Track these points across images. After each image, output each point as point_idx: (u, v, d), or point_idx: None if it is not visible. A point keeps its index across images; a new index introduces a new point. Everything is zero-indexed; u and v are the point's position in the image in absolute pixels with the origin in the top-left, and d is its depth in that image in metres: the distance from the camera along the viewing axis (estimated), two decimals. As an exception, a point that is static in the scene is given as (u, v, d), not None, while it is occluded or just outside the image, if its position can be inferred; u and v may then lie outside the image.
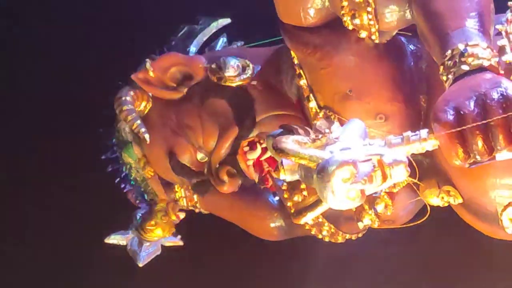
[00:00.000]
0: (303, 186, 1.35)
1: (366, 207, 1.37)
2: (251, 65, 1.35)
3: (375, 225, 1.40)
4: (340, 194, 0.79)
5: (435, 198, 1.30)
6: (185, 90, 1.37)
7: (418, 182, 1.27)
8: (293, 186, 1.39)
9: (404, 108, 1.24)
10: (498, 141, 0.84)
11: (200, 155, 1.35)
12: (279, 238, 1.55)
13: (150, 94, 1.38)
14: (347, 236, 1.50)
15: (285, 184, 1.36)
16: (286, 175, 0.89)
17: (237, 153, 1.32)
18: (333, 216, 1.46)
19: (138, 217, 1.53)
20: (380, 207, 1.35)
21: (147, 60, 1.36)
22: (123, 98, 1.35)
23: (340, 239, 1.51)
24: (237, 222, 1.57)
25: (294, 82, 1.34)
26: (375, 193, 0.99)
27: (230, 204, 1.53)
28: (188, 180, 1.40)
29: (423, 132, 0.86)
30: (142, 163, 1.43)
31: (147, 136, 1.34)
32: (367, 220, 1.38)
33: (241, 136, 1.32)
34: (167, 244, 1.58)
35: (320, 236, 1.49)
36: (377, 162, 0.82)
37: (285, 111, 1.33)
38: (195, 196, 1.53)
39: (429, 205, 1.31)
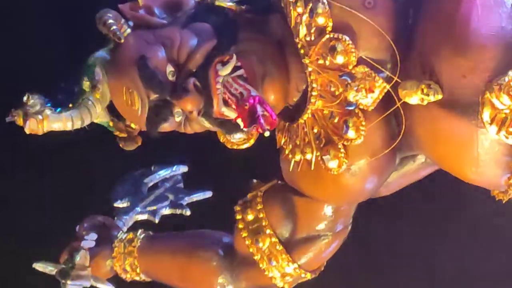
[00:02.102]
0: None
1: (335, 138, 1.35)
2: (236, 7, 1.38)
3: (341, 166, 1.36)
4: None
5: (414, 97, 1.27)
6: (170, 19, 1.38)
7: (398, 80, 1.27)
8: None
9: (393, 3, 1.27)
10: None
11: (169, 68, 1.30)
12: None
13: (131, 24, 1.37)
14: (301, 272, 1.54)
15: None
16: None
17: (209, 67, 1.27)
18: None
19: (75, 259, 1.57)
20: (351, 133, 1.30)
21: None
22: (107, 15, 1.33)
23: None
24: (177, 283, 1.63)
25: None
26: (351, 104, 1.29)
27: (175, 261, 1.60)
28: (155, 93, 1.31)
29: None
30: (96, 85, 1.34)
31: (121, 36, 1.33)
32: (334, 161, 1.34)
33: (218, 50, 1.29)
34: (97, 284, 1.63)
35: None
36: None
37: (264, 39, 1.35)
38: (138, 260, 1.62)
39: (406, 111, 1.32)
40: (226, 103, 1.28)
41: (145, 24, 1.38)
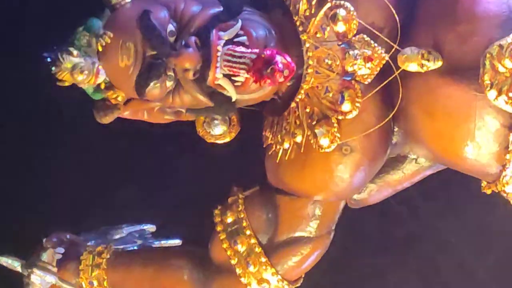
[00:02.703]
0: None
1: (329, 113, 1.37)
2: None
3: (332, 142, 1.37)
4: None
5: (413, 63, 1.31)
6: None
7: (398, 48, 1.32)
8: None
9: None
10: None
11: (170, 28, 1.31)
12: None
13: None
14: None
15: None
16: None
17: (209, 30, 1.30)
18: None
19: (41, 257, 1.62)
20: (347, 105, 1.33)
21: None
22: None
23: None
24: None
25: None
26: (348, 75, 1.34)
27: (147, 280, 1.61)
28: (152, 49, 1.31)
29: None
30: (96, 35, 1.33)
31: None
32: (327, 138, 1.34)
33: (222, 18, 1.32)
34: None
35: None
36: None
37: (273, 15, 1.40)
38: (105, 274, 1.60)
39: (404, 80, 1.34)
40: (228, 75, 1.33)
41: None
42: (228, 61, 1.27)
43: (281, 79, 1.25)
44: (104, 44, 1.31)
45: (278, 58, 1.24)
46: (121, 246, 1.73)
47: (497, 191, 1.40)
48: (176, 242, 1.74)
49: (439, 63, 1.29)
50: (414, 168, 1.58)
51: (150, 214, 1.76)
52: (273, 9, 1.42)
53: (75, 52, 1.30)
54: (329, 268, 2.02)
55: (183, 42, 1.27)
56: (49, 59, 1.31)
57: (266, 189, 1.53)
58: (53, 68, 1.31)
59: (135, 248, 1.74)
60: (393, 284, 2.51)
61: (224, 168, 1.78)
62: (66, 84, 1.33)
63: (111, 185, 2.09)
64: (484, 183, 1.44)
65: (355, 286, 2.49)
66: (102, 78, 1.34)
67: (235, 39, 1.29)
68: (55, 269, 1.60)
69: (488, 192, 1.44)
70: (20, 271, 1.64)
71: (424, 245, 2.54)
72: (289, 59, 1.26)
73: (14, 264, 1.65)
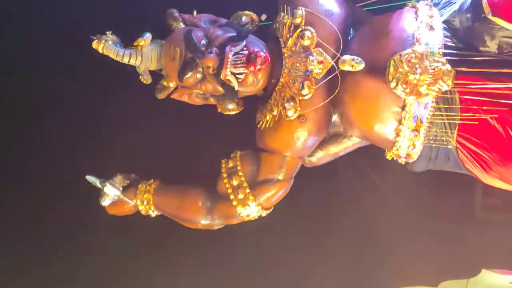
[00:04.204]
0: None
1: (295, 94, 2.12)
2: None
3: (296, 113, 2.09)
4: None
5: (347, 66, 2.03)
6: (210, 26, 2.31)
7: (339, 56, 2.04)
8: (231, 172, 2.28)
9: (343, 19, 2.23)
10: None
11: (203, 41, 2.16)
12: (204, 221, 2.34)
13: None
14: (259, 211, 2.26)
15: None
16: None
17: (226, 45, 2.13)
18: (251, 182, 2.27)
19: (113, 178, 2.57)
20: (305, 90, 2.06)
21: (194, 10, 2.31)
22: (174, 10, 2.31)
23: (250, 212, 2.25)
24: (177, 212, 2.42)
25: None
26: (307, 71, 2.08)
27: (177, 196, 2.40)
28: (191, 52, 2.15)
29: None
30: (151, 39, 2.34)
31: (181, 18, 2.28)
32: (292, 110, 2.10)
33: (234, 39, 2.18)
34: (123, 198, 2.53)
35: (236, 206, 2.25)
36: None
37: (268, 43, 2.26)
38: (152, 198, 2.38)
39: (341, 77, 2.03)
40: (233, 73, 2.00)
41: (194, 25, 2.24)
42: (234, 64, 2.01)
43: (259, 65, 1.97)
44: (142, 48, 2.28)
45: (261, 52, 2.04)
46: None
47: (394, 156, 2.10)
48: None
49: (362, 65, 2.04)
50: (348, 143, 2.39)
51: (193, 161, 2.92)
52: (270, 37, 2.15)
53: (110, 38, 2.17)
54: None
55: (209, 50, 2.00)
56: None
57: (255, 151, 2.28)
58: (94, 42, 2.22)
59: None
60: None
61: (232, 134, 2.55)
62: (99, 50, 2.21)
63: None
64: (386, 151, 2.17)
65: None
66: (140, 61, 2.14)
67: (241, 52, 2.03)
68: (120, 188, 2.32)
69: (389, 158, 2.15)
70: (99, 185, 2.49)
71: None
72: (267, 53, 2.02)
73: (96, 181, 2.52)
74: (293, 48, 2.14)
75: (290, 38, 2.16)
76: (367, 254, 4.79)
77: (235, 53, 2.05)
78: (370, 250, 4.82)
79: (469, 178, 2.31)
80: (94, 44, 2.20)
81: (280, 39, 2.19)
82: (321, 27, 2.16)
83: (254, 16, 2.26)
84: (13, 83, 3.46)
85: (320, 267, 4.55)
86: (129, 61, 2.15)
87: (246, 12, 2.28)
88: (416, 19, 2.11)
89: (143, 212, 2.41)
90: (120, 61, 2.14)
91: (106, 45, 2.16)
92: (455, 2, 2.11)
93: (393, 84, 2.01)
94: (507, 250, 5.62)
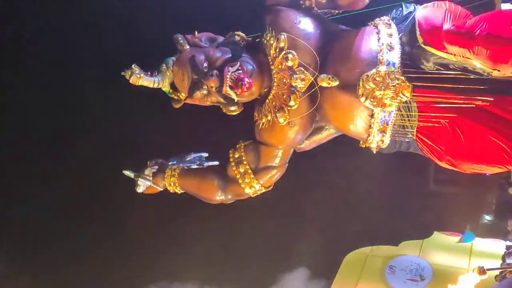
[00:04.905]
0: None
1: (283, 106, 2.41)
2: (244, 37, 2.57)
3: (286, 120, 2.42)
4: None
5: (324, 83, 2.31)
6: (209, 44, 2.52)
7: (318, 74, 2.33)
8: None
9: (319, 39, 2.42)
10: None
11: (205, 64, 2.41)
12: (219, 198, 2.68)
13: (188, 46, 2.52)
14: (258, 187, 2.61)
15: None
16: None
17: (224, 66, 2.39)
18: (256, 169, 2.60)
19: (144, 171, 2.81)
20: (292, 102, 2.39)
21: (195, 31, 2.54)
22: (179, 36, 2.50)
23: (254, 187, 2.60)
24: (197, 191, 2.75)
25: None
26: (292, 87, 2.34)
27: (196, 180, 2.73)
28: (193, 72, 2.40)
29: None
30: (169, 67, 2.51)
31: (185, 45, 2.48)
32: (282, 117, 2.43)
33: (230, 60, 2.41)
34: (153, 185, 2.82)
35: (242, 185, 2.59)
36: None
37: (254, 59, 2.45)
38: (177, 181, 2.72)
39: (320, 91, 2.36)
40: (231, 87, 2.39)
41: (196, 45, 2.48)
42: (232, 82, 2.33)
43: (245, 89, 2.32)
44: (170, 72, 2.48)
45: (246, 79, 2.33)
46: (188, 164, 2.85)
47: (367, 146, 2.50)
48: (215, 163, 2.88)
49: (337, 83, 2.29)
50: (329, 133, 2.64)
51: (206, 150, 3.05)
52: (260, 50, 2.48)
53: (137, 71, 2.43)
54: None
55: (210, 73, 2.35)
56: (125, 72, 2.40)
57: (255, 142, 2.61)
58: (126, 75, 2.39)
59: (195, 165, 2.86)
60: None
61: (235, 129, 2.92)
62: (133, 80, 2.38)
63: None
64: (361, 143, 2.52)
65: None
66: (157, 83, 2.44)
67: (236, 72, 2.36)
68: (150, 178, 2.78)
69: (363, 146, 2.52)
70: (133, 177, 2.77)
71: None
72: (250, 80, 2.34)
73: (130, 174, 2.79)
74: (280, 66, 2.41)
75: (277, 58, 2.41)
76: (340, 219, 5.90)
77: (232, 72, 2.39)
78: (342, 215, 5.96)
79: (425, 159, 2.60)
80: (132, 80, 2.44)
81: (268, 57, 2.44)
82: (302, 49, 2.41)
83: (244, 35, 2.56)
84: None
85: (304, 229, 5.82)
86: (160, 85, 2.51)
87: (237, 32, 2.55)
88: (378, 41, 2.36)
89: (171, 191, 2.80)
90: (155, 87, 2.52)
91: (143, 78, 2.48)
92: (410, 17, 2.39)
93: (363, 99, 2.31)
94: (455, 216, 6.75)
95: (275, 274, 6.19)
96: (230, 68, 2.36)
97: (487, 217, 7.54)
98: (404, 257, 6.20)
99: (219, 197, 2.68)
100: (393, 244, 6.42)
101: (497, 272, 4.30)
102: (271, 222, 5.95)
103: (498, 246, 6.08)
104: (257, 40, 2.55)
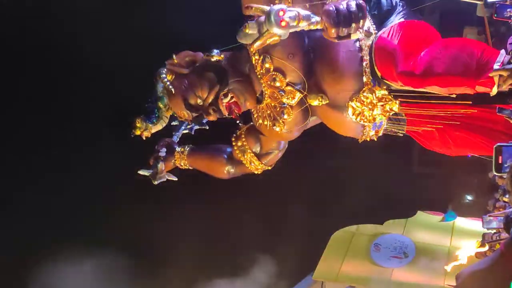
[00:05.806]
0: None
1: (278, 118, 2.54)
2: (222, 55, 2.59)
3: (283, 130, 2.57)
4: (277, 19, 1.89)
5: (315, 101, 2.44)
6: (191, 68, 2.54)
7: (306, 93, 2.44)
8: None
9: (302, 56, 2.44)
10: (351, 27, 1.98)
11: (198, 100, 2.52)
12: (228, 177, 2.86)
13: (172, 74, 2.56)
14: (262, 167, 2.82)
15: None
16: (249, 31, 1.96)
17: (217, 99, 2.50)
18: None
19: (158, 165, 2.86)
20: (286, 116, 2.52)
21: (173, 54, 2.55)
22: (161, 71, 2.54)
23: (258, 168, 2.83)
24: (206, 170, 2.92)
25: (248, 62, 2.53)
26: (284, 104, 2.47)
27: (205, 161, 2.90)
28: (192, 112, 2.50)
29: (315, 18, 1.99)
30: (167, 107, 2.62)
31: (172, 89, 2.51)
32: (278, 127, 2.58)
33: (220, 90, 2.49)
34: (168, 178, 2.91)
35: (247, 165, 2.79)
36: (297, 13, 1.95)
37: (242, 78, 2.54)
38: (187, 161, 2.86)
39: (311, 107, 2.45)
40: (228, 114, 2.54)
41: (176, 72, 2.52)
42: (227, 109, 2.45)
43: (239, 113, 2.44)
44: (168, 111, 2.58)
45: (235, 111, 2.43)
46: (178, 133, 2.92)
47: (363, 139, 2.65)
48: (205, 127, 2.89)
49: (327, 101, 2.42)
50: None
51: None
52: (246, 62, 2.52)
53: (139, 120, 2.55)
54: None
55: (206, 112, 2.46)
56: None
57: (256, 131, 2.76)
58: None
59: (184, 128, 2.91)
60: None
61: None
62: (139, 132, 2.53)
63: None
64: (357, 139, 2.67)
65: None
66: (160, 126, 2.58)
67: (228, 101, 2.46)
68: (165, 172, 2.84)
69: (360, 141, 2.67)
70: (148, 174, 2.85)
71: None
72: (240, 109, 2.44)
73: (146, 173, 2.86)
74: (269, 83, 2.50)
75: (264, 76, 2.49)
76: (327, 198, 6.13)
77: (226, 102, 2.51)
78: (329, 195, 6.20)
79: (411, 140, 2.72)
80: (146, 135, 2.56)
81: (256, 71, 2.51)
82: (288, 69, 2.45)
83: (218, 56, 2.55)
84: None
85: (292, 208, 6.03)
86: (166, 123, 2.62)
87: (211, 55, 2.54)
88: (361, 60, 2.37)
89: (183, 168, 2.95)
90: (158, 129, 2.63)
91: (153, 127, 2.59)
92: (391, 19, 2.46)
93: (353, 118, 2.45)
94: (437, 196, 7.02)
95: (264, 252, 6.40)
96: (223, 99, 2.47)
97: (469, 197, 7.80)
98: (388, 235, 6.40)
99: (227, 175, 2.87)
100: (378, 223, 6.62)
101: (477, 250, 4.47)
102: (260, 202, 6.21)
103: (478, 224, 6.21)
104: (243, 51, 2.55)
